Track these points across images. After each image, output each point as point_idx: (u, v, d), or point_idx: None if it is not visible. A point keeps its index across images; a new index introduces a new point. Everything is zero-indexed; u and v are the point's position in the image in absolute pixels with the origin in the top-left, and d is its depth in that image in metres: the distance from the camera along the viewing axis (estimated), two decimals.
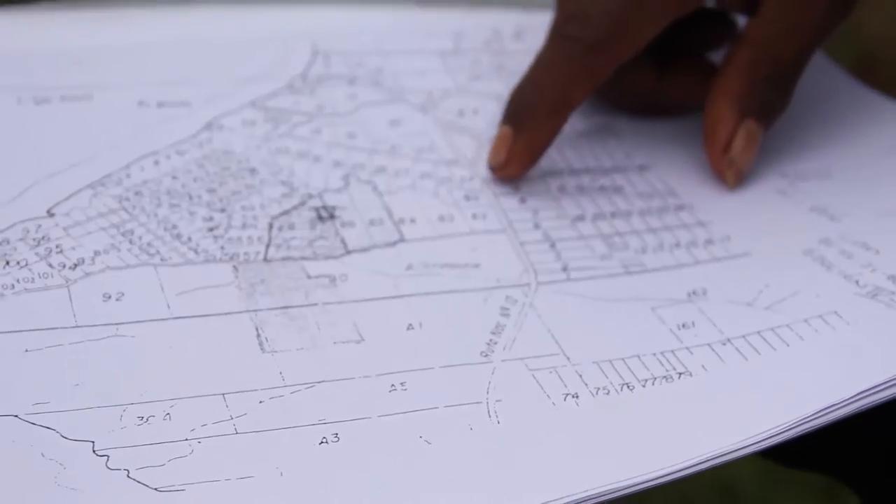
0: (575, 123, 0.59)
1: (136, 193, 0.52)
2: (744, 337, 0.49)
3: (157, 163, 0.54)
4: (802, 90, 0.59)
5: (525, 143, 0.55)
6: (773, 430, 0.44)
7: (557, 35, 0.55)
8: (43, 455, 0.42)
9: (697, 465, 0.43)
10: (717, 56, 0.60)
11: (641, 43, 0.55)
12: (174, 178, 0.53)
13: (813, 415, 0.45)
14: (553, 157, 0.57)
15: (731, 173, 0.56)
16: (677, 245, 0.54)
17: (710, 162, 0.57)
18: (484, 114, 0.59)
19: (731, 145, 0.56)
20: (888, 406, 0.48)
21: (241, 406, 0.45)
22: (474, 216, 0.54)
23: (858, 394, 0.45)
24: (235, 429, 0.44)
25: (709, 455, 0.44)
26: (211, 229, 0.51)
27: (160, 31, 0.60)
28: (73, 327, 0.47)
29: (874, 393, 0.45)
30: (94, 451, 0.43)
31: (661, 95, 0.60)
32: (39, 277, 0.48)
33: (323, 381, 0.46)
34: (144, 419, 0.44)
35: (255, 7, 0.63)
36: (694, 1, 0.56)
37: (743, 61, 0.56)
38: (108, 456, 0.43)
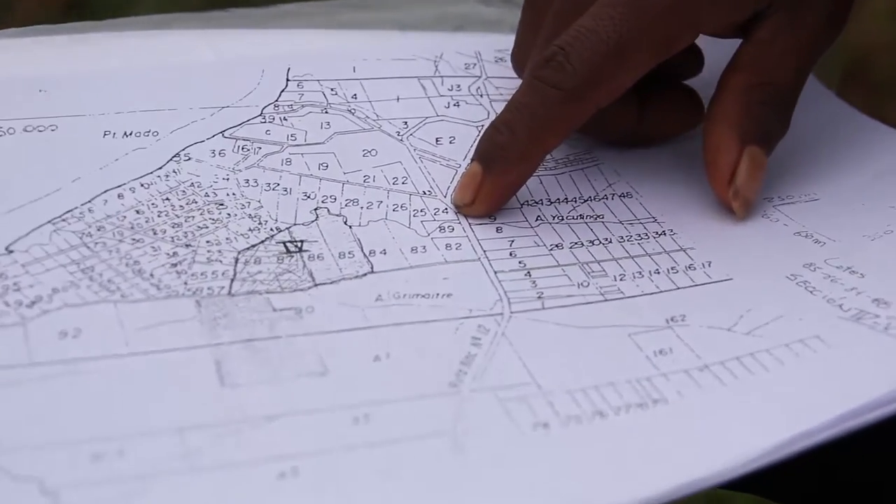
0: (555, 151, 0.58)
1: (99, 229, 0.51)
2: (722, 363, 0.47)
3: (120, 196, 0.53)
4: None
5: (493, 185, 0.54)
6: (749, 457, 0.43)
7: (534, 77, 0.53)
8: None
9: (669, 494, 0.42)
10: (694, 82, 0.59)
11: (620, 91, 0.53)
12: (138, 212, 0.52)
13: (791, 439, 0.43)
14: (532, 186, 0.56)
15: (738, 203, 0.54)
16: (657, 271, 0.52)
17: (715, 193, 0.55)
18: (461, 141, 0.57)
19: (735, 174, 0.54)
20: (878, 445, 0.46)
21: (197, 441, 0.43)
22: (448, 246, 0.53)
23: (841, 416, 0.44)
24: (191, 465, 0.43)
25: (682, 483, 0.42)
26: (174, 265, 0.50)
27: (129, 58, 0.59)
28: (28, 365, 0.45)
29: (858, 416, 0.44)
30: (42, 490, 0.41)
31: (644, 128, 0.58)
32: None
33: (284, 415, 0.45)
34: (97, 456, 0.42)
35: (227, 32, 0.62)
36: (674, 47, 0.54)
37: (739, 86, 0.55)
38: (56, 494, 0.41)
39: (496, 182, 0.53)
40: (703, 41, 0.59)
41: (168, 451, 0.43)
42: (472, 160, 0.54)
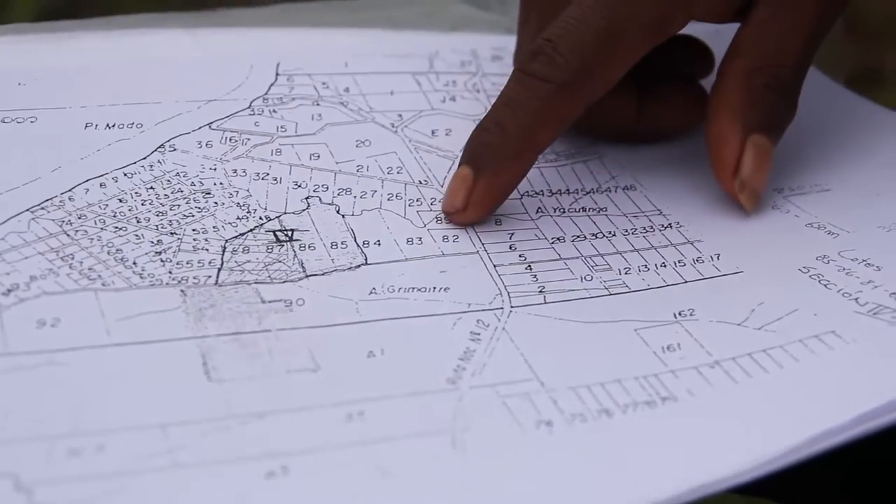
0: (555, 145, 0.56)
1: (79, 217, 0.49)
2: (733, 359, 0.45)
3: (102, 185, 0.50)
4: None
5: (486, 188, 0.50)
6: (763, 459, 0.40)
7: (523, 72, 0.51)
8: None
9: (678, 498, 0.39)
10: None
11: (613, 81, 0.51)
12: (121, 201, 0.50)
13: (808, 441, 0.41)
14: (533, 177, 0.54)
15: (745, 196, 0.52)
16: (663, 264, 0.50)
17: (720, 186, 0.52)
18: (458, 134, 0.55)
19: (740, 165, 0.52)
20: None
21: (181, 437, 0.41)
22: (445, 238, 0.50)
23: (860, 416, 0.41)
24: (174, 462, 0.40)
25: (692, 486, 0.39)
26: (158, 253, 0.48)
27: (112, 54, 0.57)
28: (4, 355, 0.43)
29: (877, 416, 0.41)
30: (17, 486, 0.39)
31: (644, 125, 0.56)
32: None
33: (273, 411, 0.42)
34: (75, 452, 0.40)
35: (214, 31, 0.60)
36: (666, 31, 0.51)
37: (739, 71, 0.52)
38: (32, 491, 0.39)
39: (489, 184, 0.51)
40: (711, 39, 0.57)
41: (150, 447, 0.40)
42: (461, 164, 0.51)
